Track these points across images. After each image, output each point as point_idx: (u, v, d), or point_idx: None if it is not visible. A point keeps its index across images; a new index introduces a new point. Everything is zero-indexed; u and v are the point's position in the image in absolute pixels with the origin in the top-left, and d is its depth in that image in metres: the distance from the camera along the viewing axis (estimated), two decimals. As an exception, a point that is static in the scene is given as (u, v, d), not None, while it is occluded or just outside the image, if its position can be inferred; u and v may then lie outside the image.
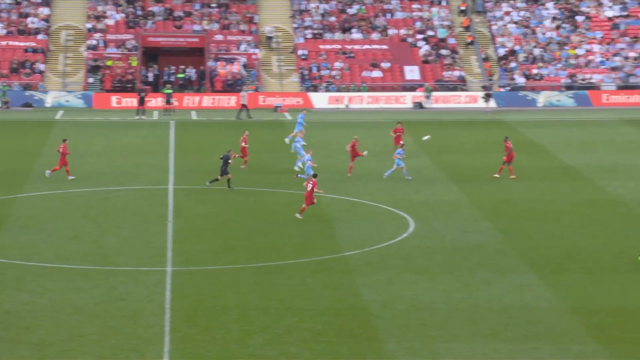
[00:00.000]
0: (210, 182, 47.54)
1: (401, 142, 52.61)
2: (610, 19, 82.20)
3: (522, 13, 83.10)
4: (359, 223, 42.03)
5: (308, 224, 42.05)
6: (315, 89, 77.31)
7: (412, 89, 76.89)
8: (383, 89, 77.31)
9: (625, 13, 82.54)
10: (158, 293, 32.70)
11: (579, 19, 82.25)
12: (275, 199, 46.38)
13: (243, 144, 52.28)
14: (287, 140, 57.16)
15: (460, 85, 77.45)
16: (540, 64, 78.52)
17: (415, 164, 51.62)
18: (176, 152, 58.15)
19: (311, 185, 41.93)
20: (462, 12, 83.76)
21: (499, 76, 78.26)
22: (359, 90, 76.87)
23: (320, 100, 76.05)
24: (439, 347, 28.67)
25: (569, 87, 76.58)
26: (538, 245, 38.74)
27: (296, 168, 51.66)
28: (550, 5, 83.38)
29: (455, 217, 42.96)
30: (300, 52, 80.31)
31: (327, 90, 77.02)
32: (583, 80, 77.12)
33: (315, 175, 43.26)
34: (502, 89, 76.76)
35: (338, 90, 76.92)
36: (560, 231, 40.83)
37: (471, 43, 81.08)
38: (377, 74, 78.55)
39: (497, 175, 49.78)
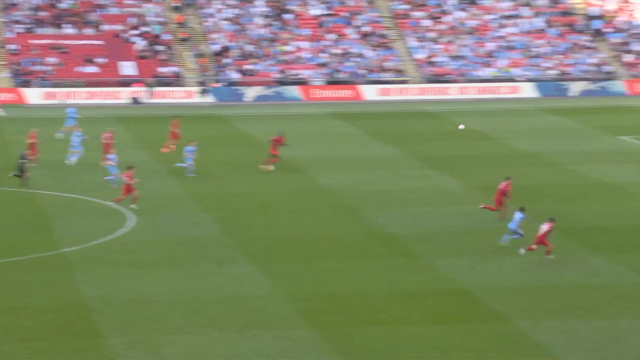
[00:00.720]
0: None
1: (177, 137, 54.69)
2: (316, 17, 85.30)
3: (233, 10, 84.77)
4: (77, 219, 41.84)
5: (23, 221, 41.46)
6: (28, 84, 75.68)
7: (128, 84, 76.77)
8: (99, 84, 76.70)
9: (330, 12, 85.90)
10: None
11: (288, 16, 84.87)
12: (-11, 197, 45.38)
13: (31, 141, 51.77)
14: (60, 134, 58.11)
15: (176, 80, 78.08)
16: (253, 60, 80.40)
17: (135, 159, 51.74)
18: None
19: (127, 178, 42.92)
20: (176, 9, 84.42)
21: (214, 71, 79.48)
22: (74, 86, 75.91)
23: (34, 96, 74.53)
24: (160, 339, 29.14)
25: (280, 82, 78.83)
26: (256, 236, 39.98)
27: (68, 162, 51.70)
28: (259, 3, 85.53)
29: (175, 210, 43.55)
30: (10, 46, 78.35)
31: (42, 85, 75.59)
32: (293, 75, 79.63)
33: (130, 167, 43.71)
34: (217, 84, 78.01)
35: (53, 86, 75.63)
36: (276, 222, 42.25)
37: (186, 39, 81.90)
38: (92, 69, 77.86)
39: (267, 168, 51.06)
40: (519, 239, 37.97)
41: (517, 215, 38.20)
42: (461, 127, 48.69)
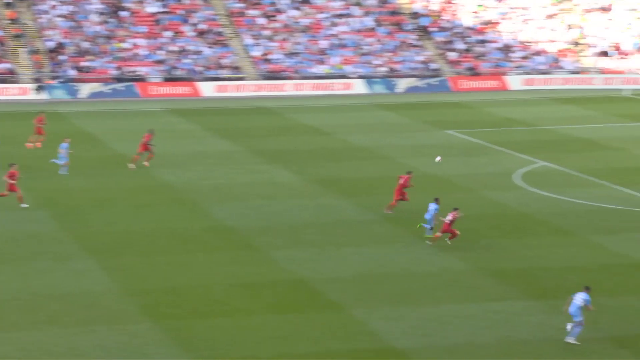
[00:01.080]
0: None
1: (42, 133, 54.90)
2: (152, 14, 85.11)
3: (68, 7, 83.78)
4: None
5: None
6: None
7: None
8: None
9: (166, 9, 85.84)
10: None
11: (124, 14, 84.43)
12: None
13: None
14: None
15: (10, 77, 76.72)
16: (89, 57, 79.69)
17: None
18: None
19: (8, 177, 42.69)
20: (8, 5, 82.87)
21: (49, 68, 78.42)
22: None
23: None
24: (-3, 336, 29.11)
25: (118, 79, 78.37)
26: (95, 232, 39.95)
27: None
28: (95, 0, 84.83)
29: (10, 207, 43.03)
30: None
31: None
32: (130, 72, 79.29)
33: (12, 165, 43.26)
34: (52, 81, 77.02)
35: None
36: (116, 217, 42.29)
37: (19, 35, 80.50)
38: None
39: (133, 165, 51.04)
40: (427, 228, 39.68)
41: (432, 206, 39.62)
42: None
